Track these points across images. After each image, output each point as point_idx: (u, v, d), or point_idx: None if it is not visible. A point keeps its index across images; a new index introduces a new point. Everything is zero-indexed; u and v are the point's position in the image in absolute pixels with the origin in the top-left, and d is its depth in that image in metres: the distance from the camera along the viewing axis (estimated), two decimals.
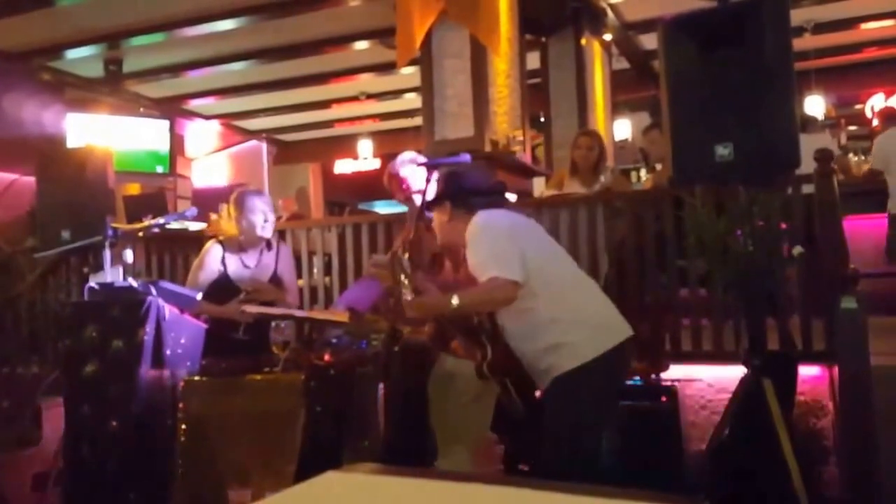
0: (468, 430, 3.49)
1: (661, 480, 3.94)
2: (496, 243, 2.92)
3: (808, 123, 7.59)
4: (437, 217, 3.24)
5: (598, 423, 2.99)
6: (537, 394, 3.08)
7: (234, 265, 4.21)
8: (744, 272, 3.35)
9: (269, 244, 4.31)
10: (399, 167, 3.89)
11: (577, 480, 2.43)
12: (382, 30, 7.89)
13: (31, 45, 8.35)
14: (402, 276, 2.94)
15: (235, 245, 4.26)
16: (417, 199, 3.73)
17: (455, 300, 2.86)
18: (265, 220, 4.21)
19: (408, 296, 2.92)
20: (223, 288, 4.13)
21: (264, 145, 13.51)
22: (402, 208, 4.34)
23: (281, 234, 6.18)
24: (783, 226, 3.66)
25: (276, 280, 4.27)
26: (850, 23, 8.91)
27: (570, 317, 2.91)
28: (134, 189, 9.26)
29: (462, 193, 3.18)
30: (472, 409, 3.49)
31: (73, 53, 8.56)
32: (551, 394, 2.95)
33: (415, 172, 3.84)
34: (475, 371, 3.09)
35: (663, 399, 4.20)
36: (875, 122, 10.13)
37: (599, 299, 3.08)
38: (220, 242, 4.29)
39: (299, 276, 5.96)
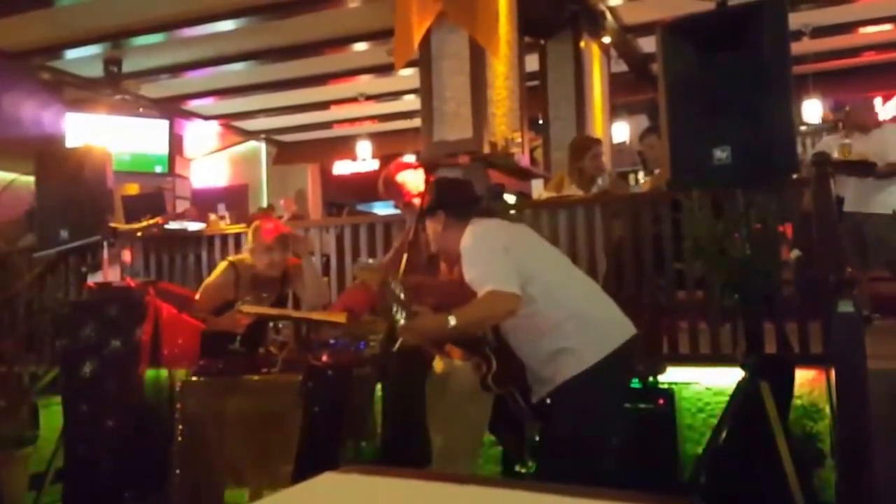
0: (465, 432, 3.49)
1: (657, 483, 3.95)
2: (491, 256, 2.88)
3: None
4: (430, 226, 3.21)
5: (605, 426, 2.93)
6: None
7: (245, 289, 4.16)
8: (741, 275, 3.36)
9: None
10: (396, 173, 3.88)
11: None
12: (382, 31, 7.89)
13: (30, 44, 8.35)
14: (395, 305, 2.93)
15: (249, 270, 4.20)
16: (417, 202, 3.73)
17: (452, 320, 2.82)
18: (277, 260, 4.15)
19: (401, 321, 2.92)
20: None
21: (263, 146, 13.51)
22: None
23: None
24: (780, 229, 3.67)
25: (278, 303, 4.24)
26: (849, 27, 8.92)
27: (571, 321, 2.87)
28: (133, 189, 9.28)
29: (456, 202, 3.17)
30: (469, 411, 3.49)
31: (72, 53, 8.56)
32: (558, 400, 2.91)
33: (413, 176, 3.84)
34: (480, 384, 3.06)
35: (660, 402, 4.21)
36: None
37: (600, 299, 3.05)
38: (234, 264, 4.25)
39: None
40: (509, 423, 3.48)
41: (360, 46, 8.73)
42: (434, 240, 3.22)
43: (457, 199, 3.19)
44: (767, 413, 3.17)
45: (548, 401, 2.97)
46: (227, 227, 6.80)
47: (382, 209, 9.30)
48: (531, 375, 2.99)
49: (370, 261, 3.94)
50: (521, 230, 3.17)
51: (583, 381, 2.82)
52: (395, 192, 3.89)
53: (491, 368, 2.99)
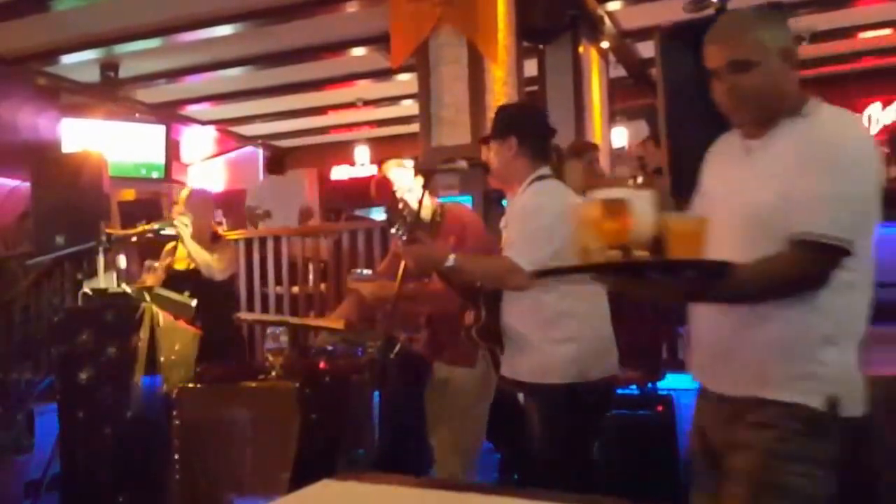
0: (463, 439, 3.48)
1: (656, 490, 3.93)
2: (538, 230, 2.75)
3: None
4: (496, 152, 2.98)
5: (584, 444, 2.90)
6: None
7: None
8: None
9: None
10: (387, 170, 3.78)
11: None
12: (379, 36, 7.89)
13: (27, 49, 8.32)
14: (401, 224, 2.87)
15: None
16: (410, 198, 3.63)
17: (452, 259, 2.74)
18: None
19: (403, 238, 2.84)
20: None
21: (260, 151, 13.50)
22: None
23: (276, 239, 6.19)
24: None
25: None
26: (849, 32, 8.91)
27: (575, 319, 2.80)
28: (129, 195, 9.24)
29: (531, 131, 2.98)
30: (466, 418, 3.47)
31: (69, 58, 8.53)
32: (534, 403, 2.90)
33: (402, 175, 3.75)
34: (464, 334, 2.98)
35: (659, 408, 4.19)
36: None
37: (604, 323, 2.93)
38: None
39: (294, 282, 5.98)
40: (508, 430, 3.46)
41: (358, 51, 8.73)
42: (497, 167, 3.00)
43: (532, 127, 3.01)
44: None
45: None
46: (226, 232, 6.78)
47: (380, 214, 9.29)
48: (509, 349, 2.90)
49: (364, 272, 3.91)
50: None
51: (560, 397, 2.76)
52: (384, 190, 3.79)
53: (480, 319, 2.90)
